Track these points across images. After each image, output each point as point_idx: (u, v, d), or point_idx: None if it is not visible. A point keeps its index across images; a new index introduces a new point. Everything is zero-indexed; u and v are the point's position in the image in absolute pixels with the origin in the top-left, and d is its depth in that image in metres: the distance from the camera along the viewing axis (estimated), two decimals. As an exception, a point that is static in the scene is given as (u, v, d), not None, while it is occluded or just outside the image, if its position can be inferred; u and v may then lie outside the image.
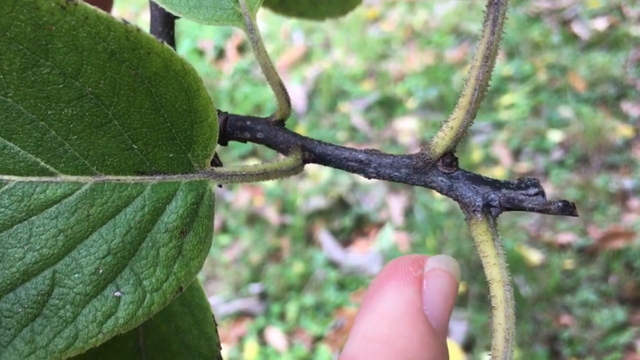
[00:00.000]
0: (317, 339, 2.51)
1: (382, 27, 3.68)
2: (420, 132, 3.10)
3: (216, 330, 0.53)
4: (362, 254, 2.72)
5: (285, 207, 2.93)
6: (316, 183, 2.95)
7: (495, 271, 0.41)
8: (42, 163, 0.42)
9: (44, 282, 0.42)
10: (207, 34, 3.68)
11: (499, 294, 0.41)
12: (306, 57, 3.57)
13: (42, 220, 0.42)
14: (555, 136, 2.97)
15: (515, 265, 2.53)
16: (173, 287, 0.43)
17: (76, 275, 0.42)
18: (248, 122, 0.50)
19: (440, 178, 0.44)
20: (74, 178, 0.42)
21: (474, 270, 2.56)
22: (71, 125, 0.42)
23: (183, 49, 3.63)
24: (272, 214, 2.90)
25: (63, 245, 0.42)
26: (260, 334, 2.56)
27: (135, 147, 0.43)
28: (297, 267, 2.69)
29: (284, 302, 2.62)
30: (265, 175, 0.46)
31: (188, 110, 0.43)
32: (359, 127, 3.17)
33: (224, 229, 2.89)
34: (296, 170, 0.47)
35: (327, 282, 2.64)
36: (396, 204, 2.83)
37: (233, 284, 2.69)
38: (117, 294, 0.42)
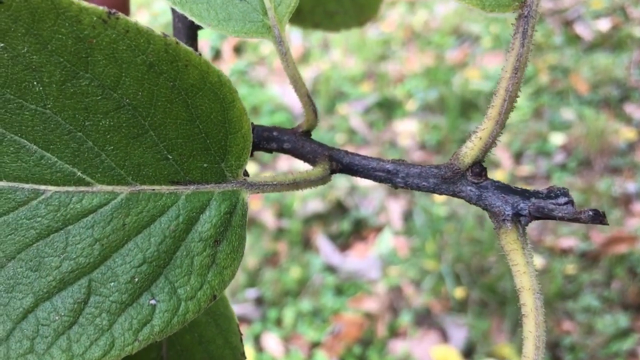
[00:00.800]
0: (314, 345, 2.52)
1: (382, 27, 3.69)
2: (420, 134, 3.11)
3: (241, 340, 0.54)
4: (360, 259, 2.74)
5: (282, 211, 2.94)
6: (314, 186, 2.95)
7: (525, 279, 0.43)
8: (79, 173, 0.43)
9: (80, 290, 0.43)
10: (204, 34, 3.68)
11: (529, 302, 0.43)
12: (304, 58, 3.58)
13: (78, 229, 0.43)
14: (557, 139, 2.99)
15: (518, 270, 2.55)
16: (207, 295, 0.45)
17: (112, 284, 0.43)
18: (275, 133, 0.51)
19: (469, 188, 0.45)
20: (109, 188, 0.44)
21: (474, 276, 2.57)
22: (108, 136, 0.43)
23: (177, 49, 3.63)
24: (269, 218, 2.91)
25: (99, 254, 0.43)
26: (257, 340, 2.57)
27: (171, 157, 0.44)
28: (294, 272, 2.70)
29: (281, 307, 2.63)
30: (295, 185, 0.48)
31: (223, 121, 0.44)
32: (357, 129, 3.18)
33: (220, 233, 2.89)
34: (324, 180, 0.49)
35: (324, 288, 2.65)
36: (395, 208, 2.84)
37: (229, 289, 2.70)
38: (153, 302, 0.44)
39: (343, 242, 2.82)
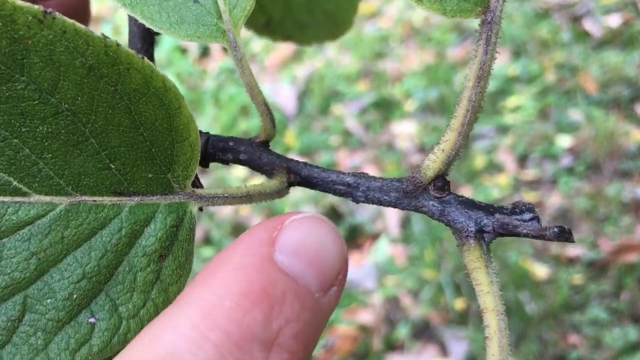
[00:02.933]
0: (307, 359, 2.52)
1: (379, 23, 3.69)
2: (419, 136, 3.11)
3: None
4: (355, 268, 2.73)
5: (273, 217, 2.94)
6: (306, 191, 2.95)
7: (489, 300, 0.43)
8: (15, 183, 0.43)
9: (15, 307, 0.43)
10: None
11: (493, 324, 0.42)
12: (297, 55, 3.58)
13: (14, 242, 0.43)
14: (564, 141, 2.98)
15: (520, 280, 2.55)
16: (151, 314, 0.44)
17: (49, 301, 0.43)
18: (231, 143, 0.51)
19: (431, 203, 0.45)
20: (48, 199, 0.44)
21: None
22: (46, 144, 0.43)
23: (165, 47, 3.64)
24: (258, 225, 2.90)
25: (35, 269, 0.43)
26: (246, 353, 2.56)
27: (113, 167, 0.44)
28: (286, 282, 2.70)
29: (271, 319, 2.62)
30: (248, 198, 0.47)
31: (169, 129, 0.44)
32: (353, 131, 3.18)
33: (208, 241, 2.90)
34: (281, 193, 0.49)
35: (317, 298, 2.64)
36: (393, 215, 2.84)
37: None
38: (92, 320, 0.43)
39: (337, 250, 2.82)
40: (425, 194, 0.45)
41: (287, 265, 0.42)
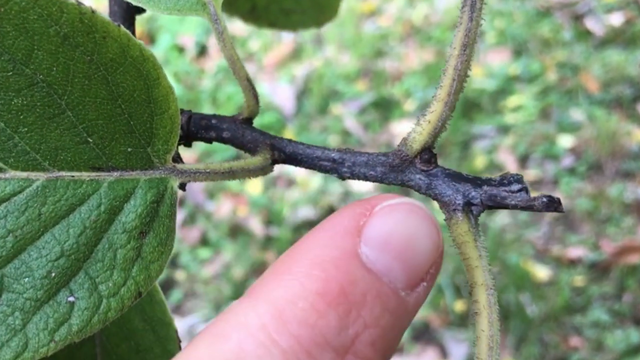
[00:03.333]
0: (305, 362, 2.51)
1: (379, 21, 3.69)
2: (418, 136, 3.10)
3: (180, 348, 0.54)
4: (354, 269, 2.72)
5: (271, 218, 2.93)
6: (305, 192, 2.95)
7: (477, 274, 0.42)
8: (-10, 158, 0.43)
9: (-9, 287, 0.42)
10: (188, 29, 3.68)
11: (482, 298, 0.42)
12: (295, 54, 3.58)
13: (-11, 220, 0.42)
14: (565, 141, 2.98)
15: (521, 281, 2.54)
16: (131, 291, 0.44)
17: (26, 280, 0.42)
18: (213, 121, 0.50)
19: (418, 176, 0.44)
20: (24, 174, 0.43)
21: (476, 287, 2.56)
22: (21, 117, 0.42)
23: (162, 45, 3.64)
24: (256, 225, 2.90)
25: (12, 247, 0.42)
26: (243, 356, 2.55)
27: (91, 140, 0.43)
28: (284, 284, 2.69)
29: (269, 321, 2.62)
30: (231, 174, 0.47)
31: (147, 100, 0.43)
32: (352, 130, 3.18)
33: (204, 242, 2.90)
34: (265, 170, 0.48)
35: (316, 300, 2.64)
36: (392, 215, 2.83)
37: (213, 301, 2.70)
38: (71, 299, 0.43)
39: (336, 252, 2.81)
40: (411, 167, 0.45)
41: (371, 259, 0.39)
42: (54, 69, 0.42)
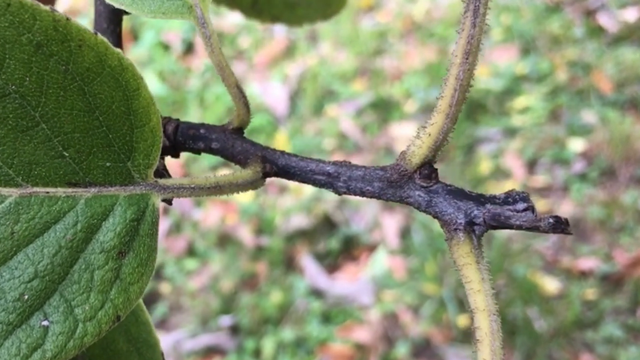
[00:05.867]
0: (298, 380, 2.52)
1: (377, 17, 3.70)
2: (419, 139, 3.10)
3: (166, 369, 0.54)
4: (350, 282, 2.73)
5: (262, 227, 2.93)
6: (298, 199, 2.95)
7: (479, 299, 0.42)
8: (-41, 173, 0.42)
9: (-40, 310, 0.42)
10: (174, 26, 3.68)
11: (485, 325, 0.42)
12: (289, 51, 3.58)
13: (-41, 239, 0.42)
14: (576, 145, 2.98)
15: (528, 295, 2.54)
16: (109, 315, 0.43)
17: (-3, 302, 0.42)
18: (202, 131, 0.50)
19: (417, 192, 0.44)
20: (-5, 190, 0.43)
21: (481, 301, 2.56)
22: (-8, 130, 0.42)
23: (146, 43, 3.64)
24: (246, 235, 2.90)
25: (-18, 267, 0.42)
26: (232, 374, 2.56)
27: (67, 154, 0.43)
28: (275, 297, 2.70)
29: (259, 337, 2.62)
30: (218, 189, 0.47)
31: (127, 112, 0.43)
32: (349, 133, 3.18)
33: (191, 252, 2.89)
34: (255, 184, 0.48)
35: (309, 314, 2.64)
36: (391, 224, 2.84)
37: (200, 315, 2.69)
38: (45, 323, 0.43)
39: (331, 263, 2.82)
40: (410, 183, 0.45)
41: None
42: (27, 79, 0.42)
